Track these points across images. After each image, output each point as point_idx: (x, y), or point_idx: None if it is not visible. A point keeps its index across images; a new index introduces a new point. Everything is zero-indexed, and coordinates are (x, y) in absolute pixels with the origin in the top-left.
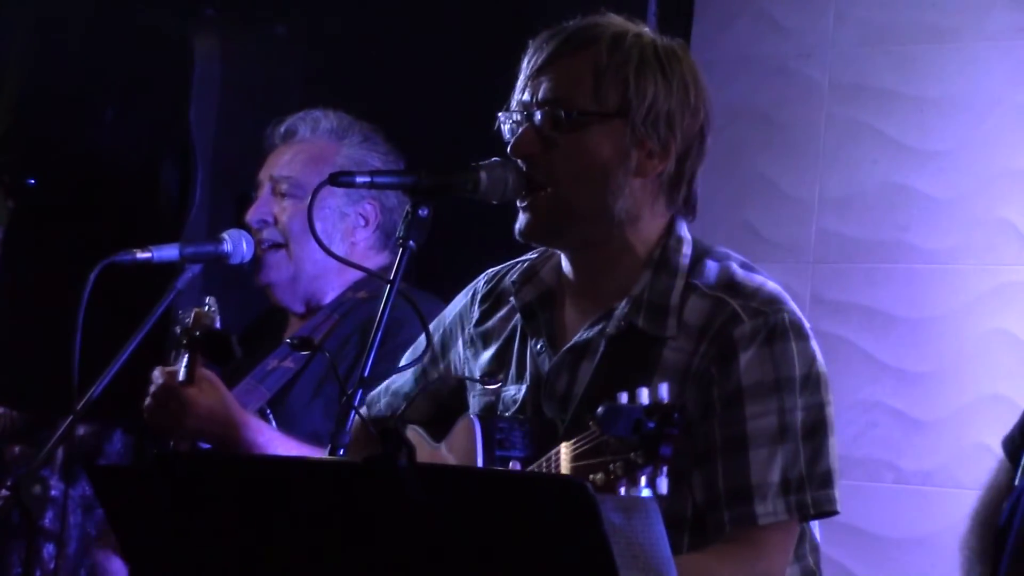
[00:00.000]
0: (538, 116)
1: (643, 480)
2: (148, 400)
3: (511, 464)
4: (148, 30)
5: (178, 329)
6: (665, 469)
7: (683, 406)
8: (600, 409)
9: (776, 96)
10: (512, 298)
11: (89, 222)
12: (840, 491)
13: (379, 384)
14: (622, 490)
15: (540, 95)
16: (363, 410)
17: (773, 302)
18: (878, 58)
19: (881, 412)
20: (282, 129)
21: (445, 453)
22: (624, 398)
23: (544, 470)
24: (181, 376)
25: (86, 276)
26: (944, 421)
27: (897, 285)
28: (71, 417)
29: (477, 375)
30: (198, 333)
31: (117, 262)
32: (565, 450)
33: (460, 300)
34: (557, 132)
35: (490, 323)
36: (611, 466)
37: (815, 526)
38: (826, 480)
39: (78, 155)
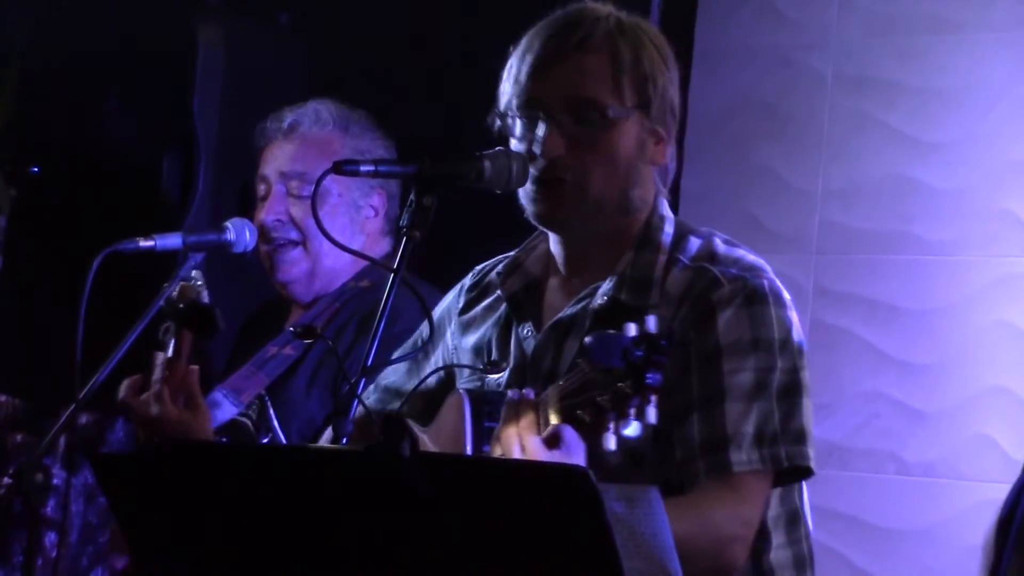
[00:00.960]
0: (560, 116)
1: (632, 412)
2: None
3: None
4: (151, 19)
5: (164, 303)
6: (654, 399)
7: (671, 334)
8: (588, 339)
9: (780, 87)
10: (498, 290)
11: (92, 210)
12: (838, 484)
13: (376, 373)
14: (611, 424)
15: (560, 94)
16: (388, 403)
17: (753, 269)
18: (882, 49)
19: (884, 403)
20: (284, 124)
21: (433, 434)
22: (620, 332)
23: (534, 415)
24: (169, 352)
25: (88, 264)
26: (947, 412)
27: (901, 277)
28: (73, 405)
29: (466, 360)
30: (182, 306)
31: (120, 250)
32: (553, 392)
33: (449, 295)
34: (584, 132)
35: (473, 312)
36: (599, 399)
37: (806, 509)
38: (800, 437)
39: (81, 143)
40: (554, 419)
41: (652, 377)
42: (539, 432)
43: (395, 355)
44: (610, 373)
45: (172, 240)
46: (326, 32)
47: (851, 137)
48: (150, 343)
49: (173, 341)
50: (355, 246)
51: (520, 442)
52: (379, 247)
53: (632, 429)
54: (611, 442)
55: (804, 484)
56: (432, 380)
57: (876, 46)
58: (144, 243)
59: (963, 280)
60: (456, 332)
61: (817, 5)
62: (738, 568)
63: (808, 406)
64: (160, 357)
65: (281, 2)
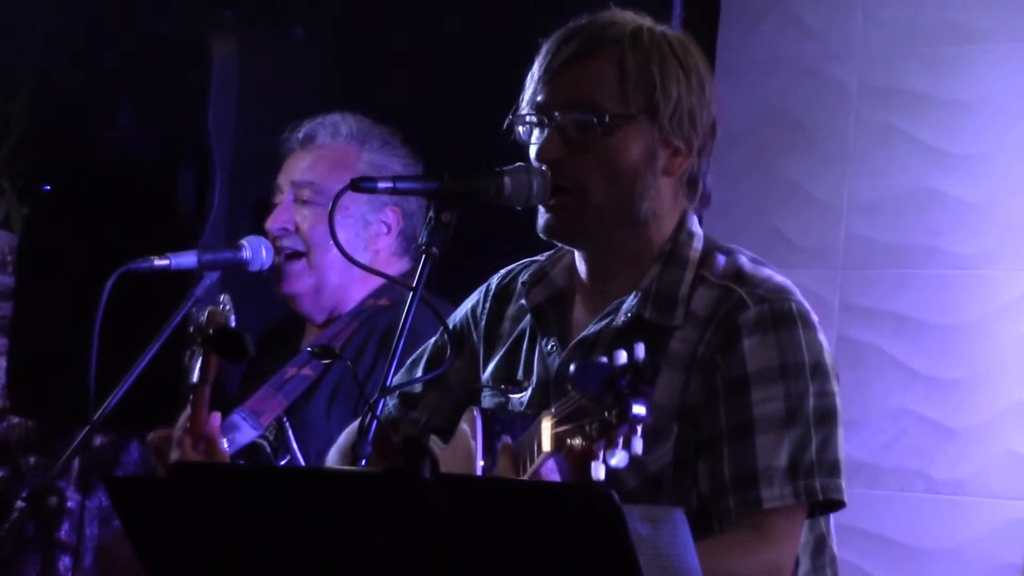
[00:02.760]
0: (562, 119)
1: (620, 441)
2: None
3: (504, 438)
4: (165, 31)
5: (192, 328)
6: (640, 429)
7: (656, 363)
8: (572, 367)
9: (804, 99)
10: (523, 299)
11: (105, 229)
12: (866, 503)
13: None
14: (600, 453)
15: (563, 97)
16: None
17: (780, 291)
18: (908, 60)
19: (911, 420)
20: (300, 134)
21: (450, 453)
22: (604, 360)
23: (528, 440)
24: (195, 377)
25: (103, 284)
26: (976, 429)
27: (928, 291)
28: (88, 427)
29: (487, 376)
30: (212, 331)
31: (134, 269)
32: (547, 419)
33: (473, 297)
34: (584, 136)
35: (501, 323)
36: (587, 428)
37: (832, 536)
38: (834, 469)
39: (94, 160)
40: (546, 446)
41: (637, 406)
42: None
43: (404, 367)
44: (599, 400)
45: (187, 259)
46: (342, 45)
47: (877, 149)
48: (165, 364)
49: (199, 366)
50: (362, 262)
51: None
52: (394, 267)
53: (618, 459)
54: (599, 471)
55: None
56: (456, 381)
57: (902, 56)
58: (159, 262)
59: (991, 294)
60: (483, 339)
61: (841, 15)
62: None
63: (841, 435)
64: (183, 418)
65: (296, 15)
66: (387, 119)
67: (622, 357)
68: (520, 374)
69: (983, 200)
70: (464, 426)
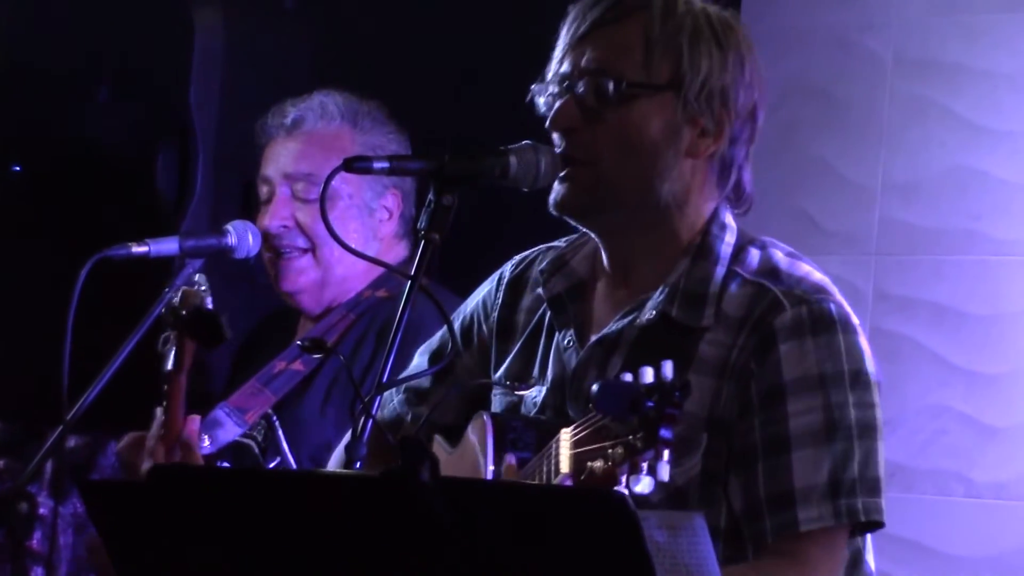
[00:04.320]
0: (581, 87)
1: (644, 467)
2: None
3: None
4: (144, 2)
5: (164, 309)
6: (667, 454)
7: (687, 384)
8: (595, 387)
9: (835, 71)
10: (540, 289)
11: (80, 213)
12: (902, 507)
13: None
14: (623, 478)
15: (583, 64)
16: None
17: (819, 291)
18: (947, 29)
19: (951, 418)
20: (287, 120)
21: (457, 458)
22: (628, 377)
23: (545, 460)
24: (169, 364)
25: (77, 272)
26: (1020, 428)
27: (968, 279)
28: (61, 427)
29: (502, 371)
30: (184, 312)
31: (111, 257)
32: (565, 437)
33: (485, 286)
34: (601, 104)
35: (515, 314)
36: (610, 451)
37: (868, 549)
38: (875, 487)
39: (67, 139)
40: (564, 467)
41: (664, 431)
42: None
43: (417, 356)
44: (622, 423)
45: (167, 245)
46: (335, 16)
47: (913, 126)
48: (145, 358)
49: (174, 352)
50: (370, 253)
51: None
52: (394, 252)
53: (644, 486)
54: None
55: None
56: (464, 376)
57: (940, 26)
58: (137, 249)
59: None
60: (495, 330)
61: None
62: None
63: (881, 450)
64: (159, 414)
65: None
66: (383, 95)
67: (648, 375)
68: (536, 371)
69: None
70: (473, 432)
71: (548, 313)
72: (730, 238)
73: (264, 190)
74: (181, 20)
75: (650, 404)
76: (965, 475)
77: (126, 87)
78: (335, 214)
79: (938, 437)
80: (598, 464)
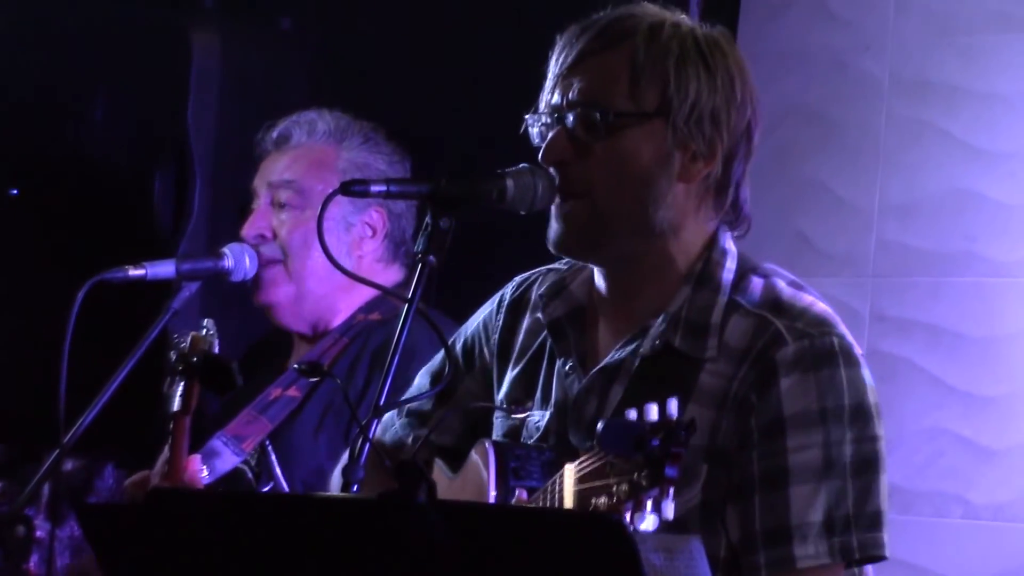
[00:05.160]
0: (570, 119)
1: (649, 504)
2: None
3: (518, 492)
4: (141, 23)
5: (174, 355)
6: (672, 492)
7: (691, 422)
8: (600, 425)
9: (831, 93)
10: (539, 312)
11: (77, 235)
12: (900, 529)
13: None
14: (628, 515)
15: (571, 96)
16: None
17: (821, 324)
18: (943, 51)
19: (948, 440)
20: (275, 135)
21: (459, 485)
22: (633, 414)
23: (548, 495)
24: (176, 405)
25: (74, 295)
26: (1018, 450)
27: (965, 300)
28: (58, 450)
29: (502, 394)
30: (195, 359)
31: (108, 280)
32: (569, 473)
33: (485, 308)
34: (591, 136)
35: (515, 336)
36: (615, 488)
37: (870, 574)
38: (874, 521)
39: (64, 161)
40: (568, 503)
41: (670, 470)
42: None
43: (417, 381)
44: (627, 462)
45: (164, 268)
46: (331, 37)
47: (910, 147)
48: (142, 382)
49: (180, 394)
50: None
51: None
52: (383, 277)
53: (648, 523)
54: None
55: None
56: (467, 398)
57: (937, 47)
58: (134, 272)
59: None
60: (496, 353)
61: (872, 3)
62: None
63: (884, 483)
64: (165, 452)
65: (282, 5)
66: (379, 116)
67: (653, 413)
68: (538, 394)
69: None
70: (475, 458)
71: (549, 337)
72: (731, 264)
73: (254, 203)
74: (178, 41)
75: (655, 443)
76: (963, 497)
77: (123, 108)
78: (309, 224)
79: (935, 459)
80: (602, 501)
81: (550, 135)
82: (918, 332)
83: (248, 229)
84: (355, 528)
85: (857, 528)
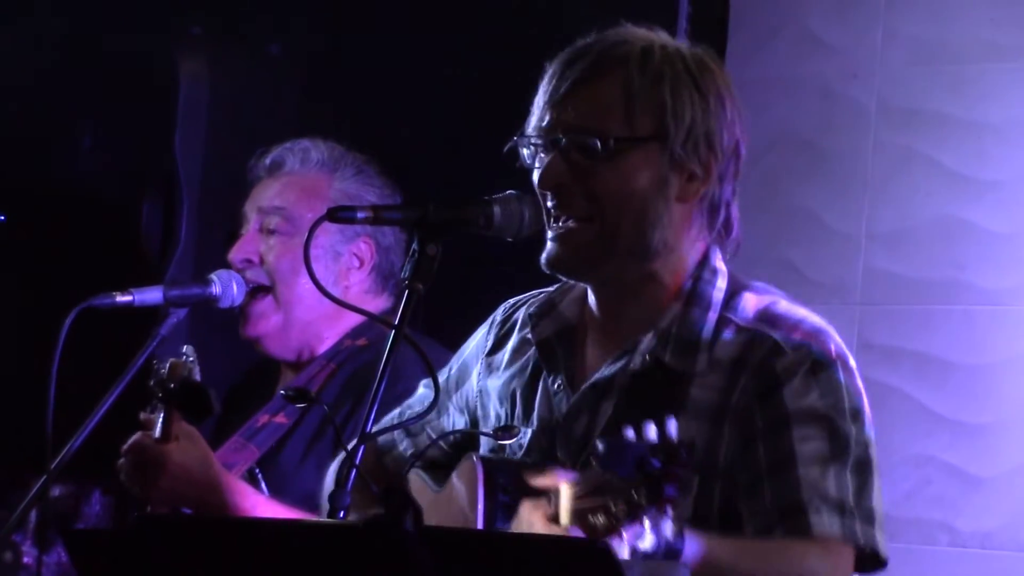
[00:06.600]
0: (566, 144)
1: (647, 524)
2: (121, 459)
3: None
4: (129, 50)
5: (152, 382)
6: (670, 510)
7: (692, 444)
8: (600, 445)
9: (819, 121)
10: (528, 332)
11: (64, 262)
12: (889, 554)
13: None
14: (625, 534)
15: (568, 121)
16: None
17: (817, 334)
18: (931, 79)
19: (936, 468)
20: (267, 161)
21: (444, 500)
22: (630, 433)
23: (544, 510)
24: (157, 433)
25: (61, 321)
26: (1005, 478)
27: (953, 329)
28: (45, 476)
29: (489, 409)
30: (172, 386)
31: (95, 306)
32: (566, 490)
33: (480, 331)
34: (589, 162)
35: (500, 353)
36: (612, 507)
37: None
38: (871, 518)
39: (53, 187)
40: (564, 519)
41: (670, 490)
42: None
43: (422, 385)
44: (625, 480)
45: (152, 294)
46: (319, 63)
47: (898, 175)
48: (129, 408)
49: (161, 422)
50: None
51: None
52: (371, 306)
53: (647, 542)
54: (624, 553)
55: None
56: (454, 421)
57: (924, 75)
58: (121, 298)
59: (1022, 332)
60: (483, 373)
61: (860, 30)
62: None
63: (879, 487)
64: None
65: (271, 31)
66: (369, 143)
67: (651, 432)
68: (519, 412)
69: (1013, 231)
70: (462, 475)
71: (535, 356)
72: (721, 283)
73: (244, 227)
74: (166, 69)
75: (656, 464)
76: (950, 524)
77: (111, 134)
78: (297, 251)
79: (923, 487)
80: (600, 519)
81: (545, 159)
82: (906, 360)
83: (235, 253)
84: (342, 553)
85: (859, 517)
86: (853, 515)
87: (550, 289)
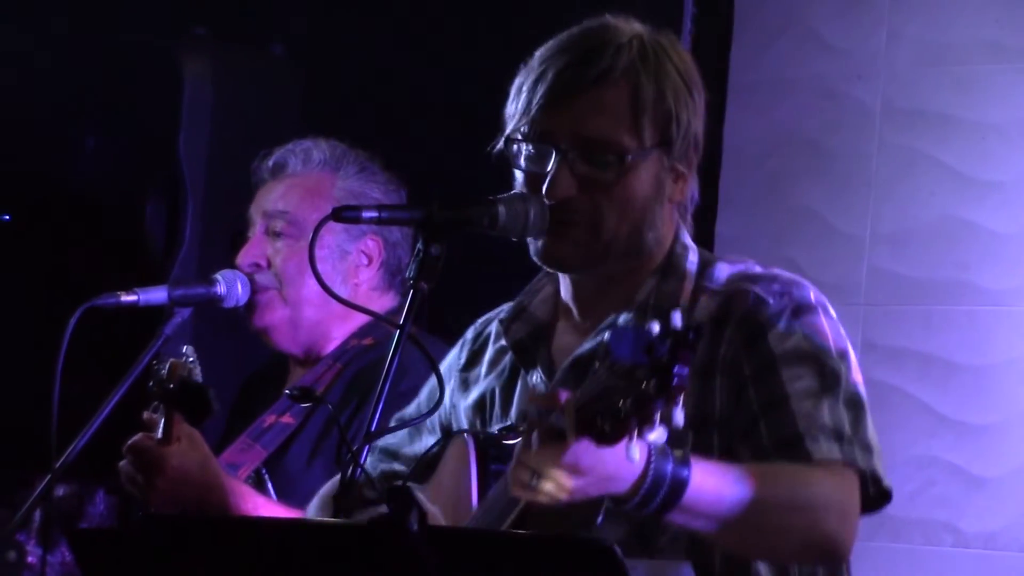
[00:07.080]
0: (573, 156)
1: (657, 416)
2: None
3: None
4: (132, 50)
5: (152, 383)
6: (680, 399)
7: (699, 326)
8: (609, 333)
9: (824, 122)
10: (502, 339)
11: (69, 262)
12: (890, 558)
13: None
14: (635, 432)
15: (572, 131)
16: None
17: (796, 283)
18: (935, 80)
19: (939, 469)
20: (270, 163)
21: (433, 488)
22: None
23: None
24: (158, 434)
25: (66, 321)
26: (1009, 478)
27: (957, 329)
28: (49, 476)
29: (463, 422)
30: (172, 386)
31: (100, 306)
32: (569, 404)
33: (451, 354)
34: (597, 173)
35: (475, 367)
36: (620, 404)
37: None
38: (870, 448)
39: (56, 188)
40: (570, 434)
41: (679, 372)
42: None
43: (396, 419)
44: (632, 375)
45: (156, 294)
46: (324, 63)
47: (902, 176)
48: (134, 408)
49: (162, 423)
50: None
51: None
52: (379, 304)
53: (657, 435)
54: (635, 451)
55: (850, 561)
56: (431, 443)
57: (929, 76)
58: (126, 298)
59: None
60: (457, 390)
61: (864, 31)
62: (838, 543)
63: (872, 425)
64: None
65: (275, 30)
66: (373, 142)
67: (655, 328)
68: (497, 411)
69: (1016, 231)
70: (450, 458)
71: (511, 361)
72: (693, 256)
73: (250, 231)
74: (170, 69)
75: (664, 348)
76: (954, 525)
77: (114, 136)
78: (303, 253)
79: (927, 487)
80: (607, 423)
81: (552, 170)
82: (909, 360)
83: (243, 258)
84: (347, 554)
85: (859, 446)
86: (852, 443)
87: (516, 299)
